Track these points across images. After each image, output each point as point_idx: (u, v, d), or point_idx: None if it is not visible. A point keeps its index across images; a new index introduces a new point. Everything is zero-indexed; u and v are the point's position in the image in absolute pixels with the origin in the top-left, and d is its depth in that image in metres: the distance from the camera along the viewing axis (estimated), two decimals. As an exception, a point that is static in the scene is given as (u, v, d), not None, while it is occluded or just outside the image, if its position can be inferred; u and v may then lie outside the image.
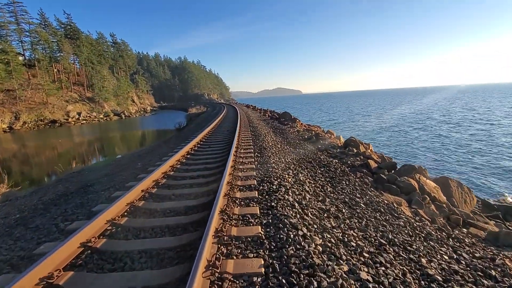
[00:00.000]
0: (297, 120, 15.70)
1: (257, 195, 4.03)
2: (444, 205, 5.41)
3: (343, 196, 4.44)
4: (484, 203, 7.93)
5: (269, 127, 13.38)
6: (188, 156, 7.44)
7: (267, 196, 3.99)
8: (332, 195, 4.48)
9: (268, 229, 2.97)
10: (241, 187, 4.50)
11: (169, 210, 3.85)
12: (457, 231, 4.18)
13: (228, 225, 3.12)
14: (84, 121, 56.32)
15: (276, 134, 11.35)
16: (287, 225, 3.03)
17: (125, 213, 3.73)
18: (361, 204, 4.14)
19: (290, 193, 4.11)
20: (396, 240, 3.16)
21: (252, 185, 4.52)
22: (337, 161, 6.81)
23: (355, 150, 7.84)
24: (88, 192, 5.08)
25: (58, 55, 63.27)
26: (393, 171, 6.07)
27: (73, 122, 54.28)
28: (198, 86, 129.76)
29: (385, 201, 4.48)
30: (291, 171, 5.50)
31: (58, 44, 62.57)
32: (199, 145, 9.08)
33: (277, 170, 5.36)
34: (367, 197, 4.50)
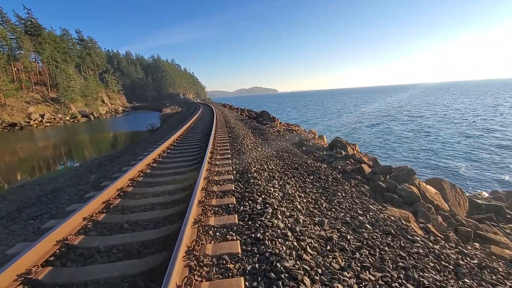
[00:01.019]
0: (276, 119, 14.89)
1: (237, 221, 3.06)
2: (447, 213, 4.77)
3: (342, 214, 3.59)
4: (473, 203, 7.52)
5: (247, 128, 12.41)
6: (154, 165, 6.29)
7: (250, 222, 3.03)
8: (329, 213, 3.61)
9: (254, 283, 2.02)
10: (216, 209, 3.51)
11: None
12: (478, 253, 3.49)
13: (195, 278, 2.12)
14: (48, 124, 52.04)
15: (256, 135, 10.41)
16: (282, 274, 2.09)
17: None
18: (367, 225, 3.30)
19: (279, 215, 3.18)
20: (426, 281, 2.33)
21: (230, 205, 3.54)
22: (326, 165, 6.00)
23: (344, 153, 7.08)
24: (14, 220, 3.84)
25: (17, 53, 57.97)
26: (389, 177, 5.37)
27: (35, 125, 49.94)
28: (173, 85, 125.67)
29: (392, 218, 3.70)
30: (276, 182, 4.58)
31: (17, 41, 57.36)
32: (169, 151, 7.93)
33: (260, 182, 4.42)
34: (370, 213, 3.69)
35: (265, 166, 5.59)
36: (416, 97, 78.04)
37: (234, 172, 5.11)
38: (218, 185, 4.44)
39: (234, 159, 6.08)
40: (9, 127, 46.44)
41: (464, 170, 12.33)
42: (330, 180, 4.95)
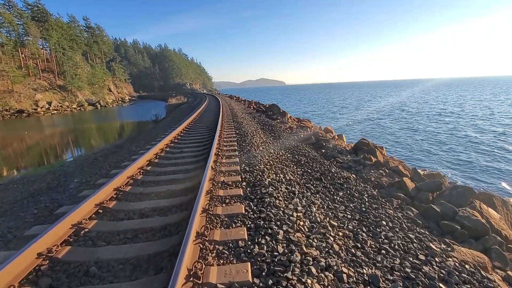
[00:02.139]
0: (287, 114, 13.73)
1: (250, 279, 2.01)
2: (515, 246, 3.68)
3: (399, 262, 2.51)
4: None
5: (256, 123, 11.30)
6: (149, 168, 5.27)
7: (270, 281, 1.98)
8: (379, 258, 2.54)
9: None
10: (221, 248, 2.47)
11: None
12: None
13: None
14: (55, 111, 51.59)
15: (266, 132, 9.31)
16: None
17: None
18: (440, 285, 2.22)
19: (312, 268, 2.13)
20: None
21: (240, 244, 2.49)
22: (355, 176, 4.91)
23: (373, 159, 5.93)
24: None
25: (24, 39, 57.15)
26: (438, 195, 4.22)
27: (42, 112, 49.49)
28: (180, 75, 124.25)
29: (466, 266, 2.62)
30: (298, 201, 3.52)
31: (24, 27, 56.49)
32: (168, 149, 6.90)
33: (278, 201, 3.37)
34: (435, 259, 2.60)
35: (281, 176, 4.52)
36: (432, 92, 75.57)
37: (244, 184, 4.06)
38: (224, 205, 3.40)
39: (243, 165, 5.02)
40: (16, 114, 46.12)
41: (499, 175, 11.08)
42: (366, 199, 3.87)
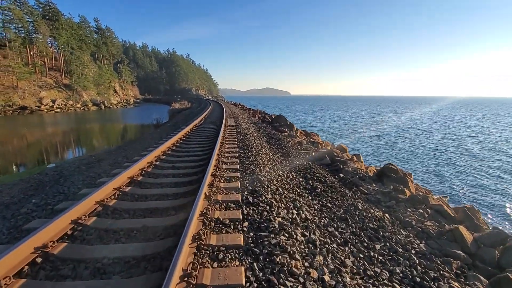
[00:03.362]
0: (294, 126, 12.68)
1: None
2: None
3: None
4: None
5: (261, 135, 10.25)
6: (128, 189, 4.20)
7: None
8: None
9: None
10: None
11: None
12: None
13: None
14: (59, 110, 51.13)
15: (272, 146, 8.24)
16: None
17: None
18: None
19: None
20: None
21: None
22: (389, 216, 3.78)
23: (407, 192, 4.79)
24: None
25: (33, 36, 57.20)
26: (502, 250, 3.10)
27: (45, 110, 49.01)
28: (186, 80, 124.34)
29: None
30: (322, 260, 2.42)
31: (34, 24, 56.61)
32: (158, 162, 5.83)
33: (295, 262, 2.28)
34: None
35: (295, 213, 3.43)
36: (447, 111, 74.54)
37: (246, 225, 2.98)
38: (215, 264, 2.31)
39: (246, 192, 3.94)
40: (19, 110, 45.63)
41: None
42: (416, 258, 2.75)
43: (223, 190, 4.12)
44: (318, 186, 4.70)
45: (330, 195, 4.39)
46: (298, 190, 4.47)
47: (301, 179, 5.12)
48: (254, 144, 7.60)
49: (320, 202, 4.07)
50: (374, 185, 5.16)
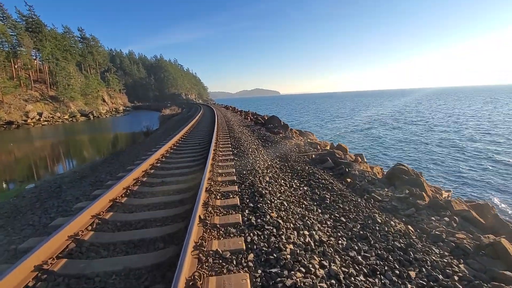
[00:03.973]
0: (289, 127, 12.12)
1: None
2: None
3: None
4: None
5: (255, 138, 9.66)
6: (109, 215, 3.55)
7: None
8: None
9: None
10: None
11: None
12: None
13: None
14: (46, 123, 49.41)
15: (269, 150, 7.66)
16: None
17: None
18: None
19: None
20: None
21: None
22: (413, 229, 3.24)
23: (425, 197, 4.24)
24: None
25: (17, 49, 55.20)
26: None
27: (32, 124, 47.29)
28: (175, 85, 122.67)
29: None
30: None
31: (18, 38, 54.66)
32: (146, 178, 5.18)
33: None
34: None
35: (306, 234, 2.86)
36: (423, 101, 75.38)
37: (251, 257, 2.39)
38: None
39: (247, 211, 3.35)
40: (5, 125, 43.89)
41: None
42: (459, 285, 2.20)
43: (221, 209, 3.52)
44: (327, 196, 4.13)
45: (341, 206, 3.82)
46: (305, 203, 3.90)
47: (306, 188, 4.54)
48: (250, 150, 7.01)
49: (332, 216, 3.50)
50: (386, 189, 4.62)
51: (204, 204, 3.56)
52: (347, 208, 3.75)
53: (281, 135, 10.27)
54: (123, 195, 4.30)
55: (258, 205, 3.51)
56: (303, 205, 3.80)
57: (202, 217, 3.17)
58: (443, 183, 10.84)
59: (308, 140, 10.09)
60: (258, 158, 6.19)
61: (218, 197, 3.94)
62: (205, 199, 3.76)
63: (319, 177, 5.12)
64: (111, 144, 23.21)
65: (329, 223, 3.30)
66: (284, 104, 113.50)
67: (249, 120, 17.10)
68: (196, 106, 44.15)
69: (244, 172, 5.04)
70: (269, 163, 6.03)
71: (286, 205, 3.66)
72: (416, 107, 56.95)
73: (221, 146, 7.53)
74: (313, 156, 6.85)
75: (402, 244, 2.85)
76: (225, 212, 3.43)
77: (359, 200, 4.06)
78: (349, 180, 4.99)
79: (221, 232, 2.94)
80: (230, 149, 7.13)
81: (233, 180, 4.65)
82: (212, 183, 4.44)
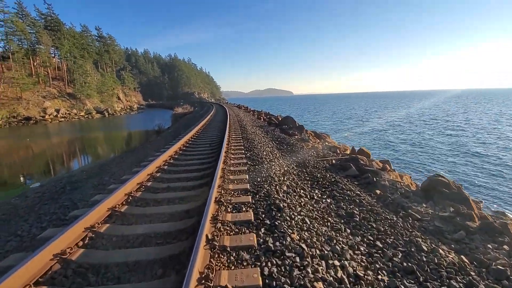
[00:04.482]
0: (304, 129, 11.49)
1: None
2: None
3: None
4: None
5: (270, 140, 9.11)
6: (104, 228, 3.10)
7: None
8: None
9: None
10: None
11: None
12: None
13: None
14: (63, 119, 50.60)
15: (285, 155, 7.10)
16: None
17: None
18: None
19: None
20: None
21: None
22: (467, 259, 2.62)
23: (475, 217, 3.58)
24: None
25: (36, 47, 56.89)
26: None
27: (49, 120, 48.52)
28: (188, 84, 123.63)
29: None
30: None
31: (37, 35, 56.31)
32: (151, 183, 4.73)
33: None
34: None
35: (339, 268, 2.29)
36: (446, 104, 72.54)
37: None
38: None
39: (263, 229, 2.82)
40: (23, 121, 45.19)
41: None
42: None
43: (232, 226, 3.00)
44: (355, 212, 3.54)
45: (374, 225, 3.23)
46: (330, 220, 3.32)
47: (329, 201, 3.96)
48: (264, 153, 6.47)
49: (366, 239, 2.92)
50: (424, 205, 3.97)
51: (212, 219, 3.06)
52: (382, 229, 3.15)
53: (296, 137, 9.67)
54: (123, 203, 3.86)
55: (276, 222, 2.97)
56: (329, 223, 3.23)
57: (209, 237, 2.66)
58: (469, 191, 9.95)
59: (326, 143, 9.44)
60: (273, 163, 5.64)
61: (229, 210, 3.42)
62: (214, 212, 3.25)
63: (344, 187, 4.52)
64: (123, 142, 23.25)
65: (362, 248, 2.71)
66: (297, 104, 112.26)
67: (262, 120, 16.56)
68: (209, 105, 44.03)
69: (259, 179, 4.50)
70: (286, 168, 5.47)
71: (309, 222, 3.10)
72: (437, 110, 54.75)
73: (233, 148, 7.03)
74: (334, 161, 6.24)
75: (460, 284, 2.24)
76: (236, 231, 2.91)
77: (394, 219, 3.44)
78: (378, 192, 4.37)
79: (231, 258, 2.42)
80: (243, 151, 6.61)
81: (246, 188, 4.13)
82: (222, 191, 3.93)
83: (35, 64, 55.82)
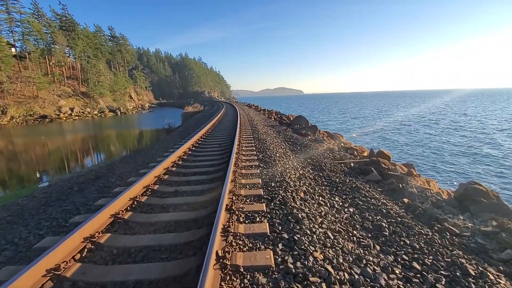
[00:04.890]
0: (318, 129, 11.03)
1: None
2: None
3: None
4: None
5: (282, 141, 8.73)
6: (107, 237, 2.81)
7: None
8: None
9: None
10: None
11: None
12: None
13: None
14: (77, 117, 51.54)
15: (299, 155, 6.70)
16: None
17: None
18: None
19: None
20: None
21: None
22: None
23: None
24: None
25: (51, 47, 58.18)
26: None
27: (64, 118, 49.50)
28: (199, 83, 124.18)
29: None
30: None
31: (52, 36, 57.57)
32: (159, 184, 4.45)
33: None
34: None
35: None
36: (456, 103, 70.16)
37: None
38: None
39: (280, 245, 2.46)
40: (39, 119, 46.27)
41: None
42: None
43: (245, 240, 2.65)
44: (383, 224, 3.13)
45: (407, 241, 2.81)
46: (357, 234, 2.93)
47: (352, 210, 3.56)
48: (277, 155, 6.09)
49: (400, 259, 2.51)
50: (461, 217, 3.50)
51: (223, 231, 2.71)
52: (417, 246, 2.73)
53: (310, 137, 9.24)
54: (127, 209, 3.57)
55: (295, 237, 2.60)
56: (355, 238, 2.83)
57: (220, 254, 2.32)
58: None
59: (342, 144, 8.97)
60: (287, 166, 5.26)
61: (241, 220, 3.08)
62: (225, 222, 2.91)
63: (366, 194, 4.10)
64: (134, 140, 23.31)
65: (397, 271, 2.31)
66: (308, 103, 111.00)
67: (273, 119, 16.15)
68: (219, 104, 43.90)
69: (273, 184, 4.14)
70: (301, 172, 5.09)
71: (332, 237, 2.72)
72: (455, 108, 52.89)
73: (244, 149, 6.68)
74: (352, 164, 5.81)
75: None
76: (250, 246, 2.56)
77: (430, 234, 3.01)
78: (406, 200, 3.93)
79: (245, 282, 2.07)
80: (255, 153, 6.26)
81: (259, 194, 3.78)
82: (234, 198, 3.59)
83: (50, 63, 57.08)
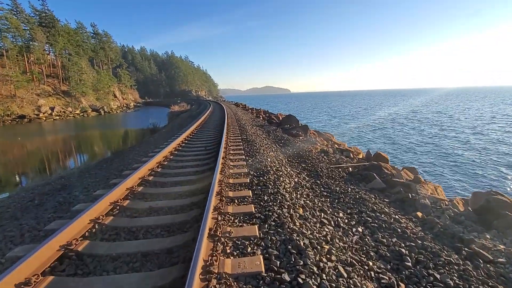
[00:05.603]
0: (309, 129, 10.46)
1: None
2: None
3: None
4: None
5: (272, 141, 8.08)
6: (50, 277, 2.05)
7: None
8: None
9: None
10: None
11: None
12: None
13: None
14: (58, 117, 49.13)
15: (292, 160, 6.06)
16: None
17: None
18: None
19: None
20: None
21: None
22: None
23: None
24: None
25: (30, 44, 55.13)
26: None
27: (44, 118, 47.06)
28: (186, 82, 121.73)
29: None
30: None
31: (31, 32, 54.55)
32: (143, 186, 3.68)
33: None
34: None
35: None
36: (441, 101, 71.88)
37: None
38: None
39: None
40: (17, 119, 43.79)
41: None
42: None
43: (232, 284, 1.97)
44: (402, 250, 2.54)
45: (438, 277, 2.22)
46: (373, 267, 2.31)
47: (361, 230, 2.95)
48: (269, 159, 5.43)
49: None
50: (487, 235, 2.98)
51: (204, 272, 2.02)
52: (451, 284, 2.14)
53: (301, 138, 8.66)
54: (86, 234, 2.82)
55: (299, 279, 1.94)
56: (372, 273, 2.21)
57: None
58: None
59: (336, 145, 8.42)
60: (280, 172, 4.61)
61: (228, 251, 2.39)
62: (207, 257, 2.21)
63: (374, 207, 3.51)
64: (116, 141, 22.09)
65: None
66: (295, 102, 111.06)
67: (261, 119, 15.50)
68: (206, 103, 42.84)
69: (265, 197, 3.48)
70: (296, 179, 4.45)
71: (346, 274, 2.08)
72: (425, 106, 53.99)
73: (231, 153, 5.98)
74: (350, 169, 5.25)
75: None
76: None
77: (461, 263, 2.44)
78: (420, 214, 3.37)
79: None
80: (243, 157, 5.57)
81: (250, 212, 3.10)
82: (219, 218, 2.90)
83: (29, 61, 54.13)
